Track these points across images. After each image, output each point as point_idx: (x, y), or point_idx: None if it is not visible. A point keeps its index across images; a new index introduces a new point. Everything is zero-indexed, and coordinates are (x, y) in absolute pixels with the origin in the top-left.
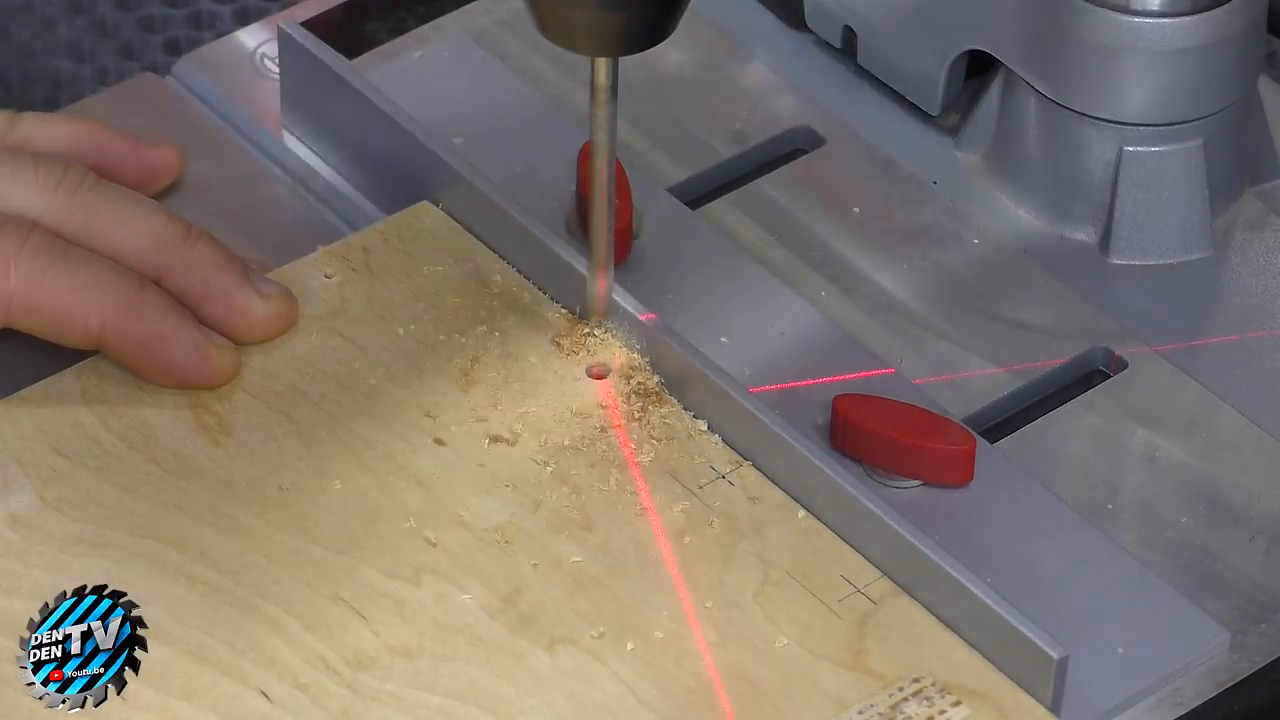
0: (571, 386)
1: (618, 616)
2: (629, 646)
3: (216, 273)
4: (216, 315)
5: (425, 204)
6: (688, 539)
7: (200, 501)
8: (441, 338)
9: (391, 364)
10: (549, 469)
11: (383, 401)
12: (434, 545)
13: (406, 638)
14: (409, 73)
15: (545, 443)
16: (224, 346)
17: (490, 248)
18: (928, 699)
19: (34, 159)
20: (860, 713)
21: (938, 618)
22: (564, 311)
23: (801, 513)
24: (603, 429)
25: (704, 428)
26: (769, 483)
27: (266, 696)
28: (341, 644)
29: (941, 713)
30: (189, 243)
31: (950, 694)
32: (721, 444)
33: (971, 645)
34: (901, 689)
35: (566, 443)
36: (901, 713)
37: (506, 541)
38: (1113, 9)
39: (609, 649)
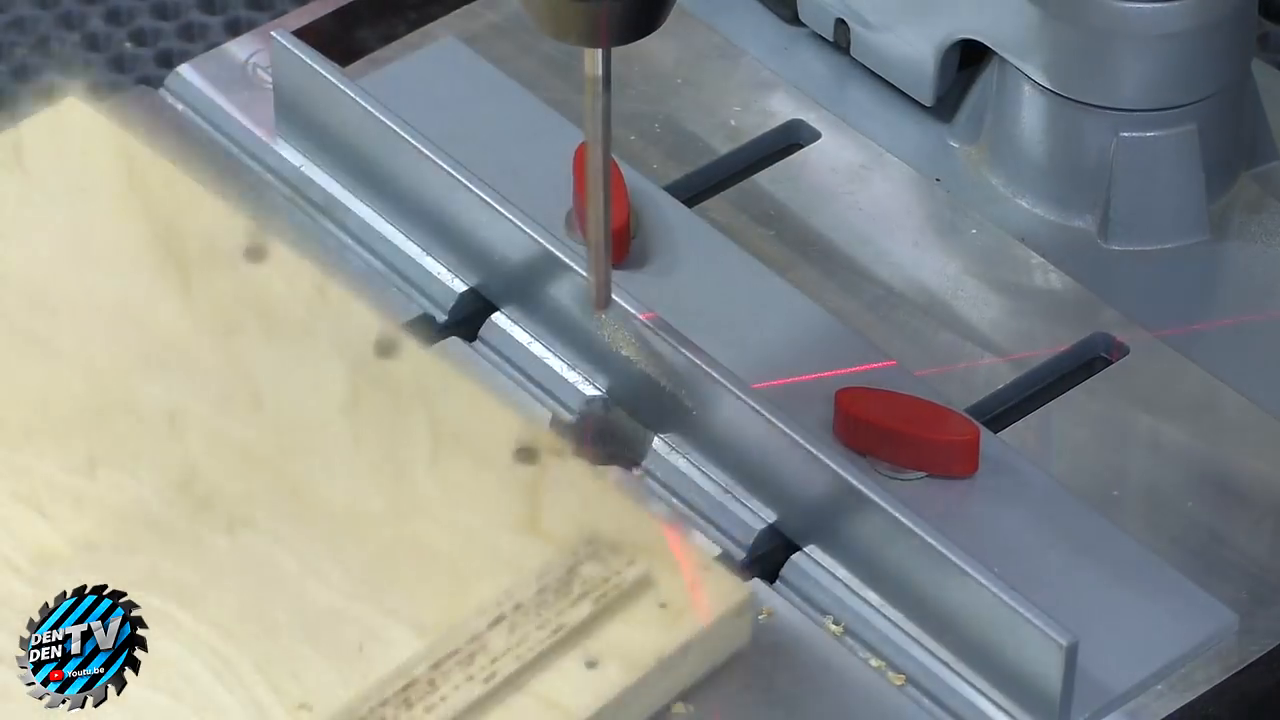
0: (228, 272)
1: (294, 494)
2: (307, 524)
3: None
4: None
5: (72, 99)
6: (357, 411)
7: None
8: (98, 227)
9: (52, 255)
10: (213, 353)
11: (52, 293)
12: (105, 435)
13: (87, 530)
14: (402, 79)
15: (209, 327)
16: None
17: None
18: (602, 560)
19: None
20: (539, 577)
21: (597, 474)
22: (221, 204)
23: (462, 378)
24: (262, 312)
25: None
26: (425, 352)
27: None
28: (24, 542)
29: (617, 573)
30: None
31: (623, 553)
32: (370, 309)
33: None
34: (576, 553)
35: (223, 330)
36: (579, 576)
37: (178, 426)
38: None
39: (287, 528)
